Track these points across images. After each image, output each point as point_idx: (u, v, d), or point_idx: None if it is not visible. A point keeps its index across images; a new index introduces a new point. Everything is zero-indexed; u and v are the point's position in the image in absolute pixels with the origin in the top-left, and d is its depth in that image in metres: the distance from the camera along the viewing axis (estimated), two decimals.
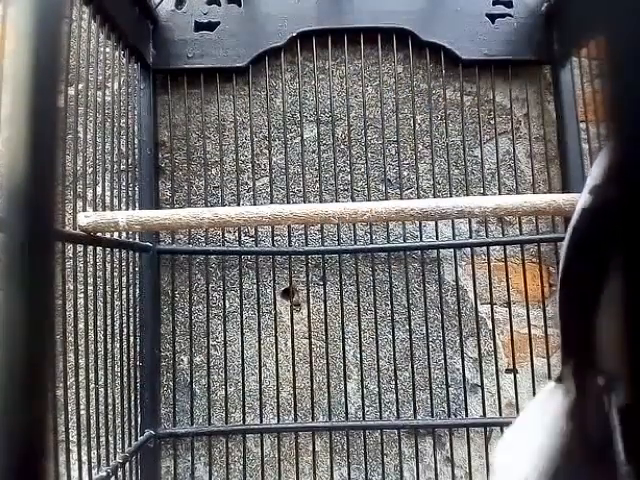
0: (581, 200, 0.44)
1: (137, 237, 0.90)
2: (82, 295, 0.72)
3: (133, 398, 0.87)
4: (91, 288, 0.78)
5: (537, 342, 0.96)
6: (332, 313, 0.98)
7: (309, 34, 0.98)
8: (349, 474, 0.95)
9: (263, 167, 1.00)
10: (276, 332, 0.96)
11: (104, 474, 0.73)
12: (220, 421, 0.95)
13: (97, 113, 0.81)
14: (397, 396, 0.95)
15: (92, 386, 0.76)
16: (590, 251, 0.43)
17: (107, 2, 0.76)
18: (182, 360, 0.97)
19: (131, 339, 0.87)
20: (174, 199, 0.98)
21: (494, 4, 0.99)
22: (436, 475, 0.94)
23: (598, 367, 0.44)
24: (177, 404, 0.95)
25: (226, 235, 0.99)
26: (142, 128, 0.94)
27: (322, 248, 0.97)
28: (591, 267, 0.42)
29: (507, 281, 0.96)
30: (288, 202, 0.97)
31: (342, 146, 1.00)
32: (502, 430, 0.94)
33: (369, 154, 1.00)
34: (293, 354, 0.96)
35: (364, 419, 0.95)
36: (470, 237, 0.98)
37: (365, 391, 0.96)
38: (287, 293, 0.99)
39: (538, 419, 0.45)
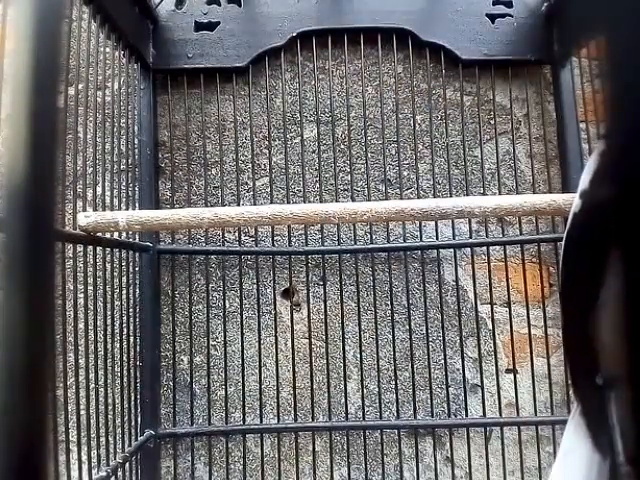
0: (573, 206, 0.45)
1: (137, 237, 0.90)
2: (82, 295, 0.72)
3: (133, 398, 0.87)
4: (91, 288, 0.78)
5: (537, 342, 0.96)
6: (332, 313, 0.98)
7: (309, 34, 0.98)
8: (349, 474, 0.95)
9: (263, 167, 1.00)
10: (276, 332, 0.96)
11: (104, 474, 0.73)
12: (220, 421, 0.95)
13: (97, 113, 0.81)
14: (397, 396, 0.95)
15: (92, 386, 0.76)
16: (585, 253, 0.43)
17: (107, 2, 0.76)
18: (182, 360, 0.97)
19: (131, 339, 0.87)
20: (174, 199, 0.98)
21: (494, 4, 0.99)
22: (436, 475, 0.94)
23: (598, 367, 0.45)
24: (177, 404, 0.95)
25: (226, 235, 0.99)
26: (142, 128, 0.94)
27: (322, 248, 0.97)
28: (587, 269, 0.42)
29: (507, 281, 0.96)
30: (288, 202, 0.97)
31: (342, 146, 1.00)
32: (502, 430, 0.95)
33: (369, 154, 1.00)
34: (293, 354, 0.96)
35: (364, 419, 0.95)
36: (470, 237, 0.98)
37: (365, 391, 0.96)
38: (287, 293, 0.99)
39: (572, 454, 0.45)
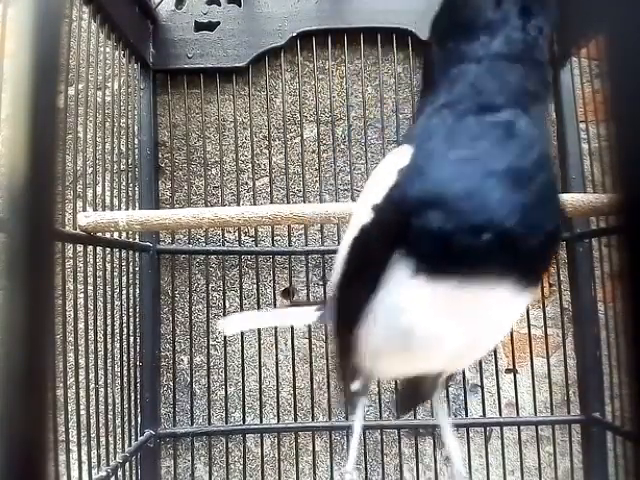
0: (362, 214, 0.50)
1: (137, 237, 0.90)
2: (82, 295, 0.72)
3: (133, 398, 0.87)
4: (91, 288, 0.78)
5: (537, 342, 0.96)
6: None
7: (309, 34, 0.98)
8: None
9: (263, 167, 1.00)
10: (276, 332, 0.96)
11: (104, 474, 0.73)
12: (220, 421, 0.95)
13: (97, 113, 0.81)
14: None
15: (92, 386, 0.76)
16: (367, 262, 0.50)
17: (107, 2, 0.76)
18: (182, 360, 0.97)
19: (131, 339, 0.87)
20: (174, 199, 0.98)
21: None
22: (436, 475, 0.94)
23: (357, 375, 0.60)
24: (177, 404, 0.95)
25: (226, 235, 0.99)
26: (142, 128, 0.94)
27: (322, 248, 0.97)
28: (366, 276, 0.50)
29: None
30: (288, 202, 0.97)
31: (342, 146, 1.00)
32: (502, 430, 0.95)
33: (369, 154, 1.00)
34: (293, 354, 0.96)
35: (364, 419, 0.95)
36: None
37: None
38: (287, 293, 0.99)
39: None
